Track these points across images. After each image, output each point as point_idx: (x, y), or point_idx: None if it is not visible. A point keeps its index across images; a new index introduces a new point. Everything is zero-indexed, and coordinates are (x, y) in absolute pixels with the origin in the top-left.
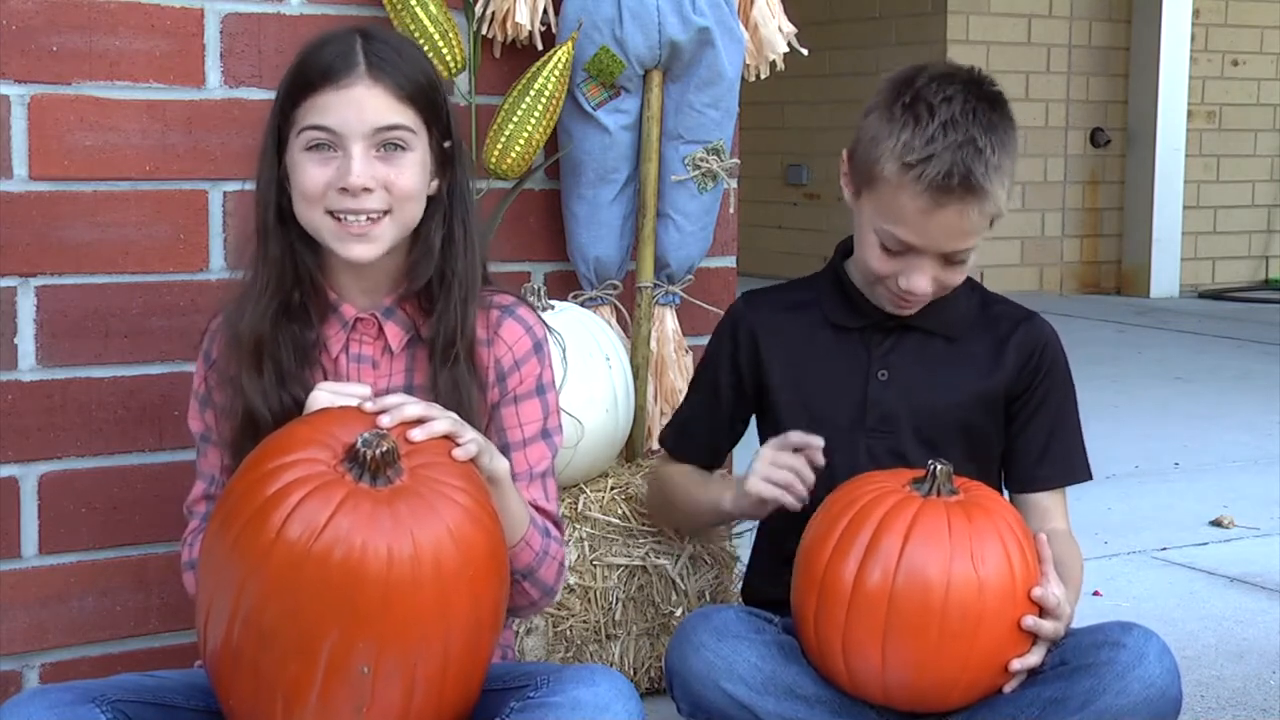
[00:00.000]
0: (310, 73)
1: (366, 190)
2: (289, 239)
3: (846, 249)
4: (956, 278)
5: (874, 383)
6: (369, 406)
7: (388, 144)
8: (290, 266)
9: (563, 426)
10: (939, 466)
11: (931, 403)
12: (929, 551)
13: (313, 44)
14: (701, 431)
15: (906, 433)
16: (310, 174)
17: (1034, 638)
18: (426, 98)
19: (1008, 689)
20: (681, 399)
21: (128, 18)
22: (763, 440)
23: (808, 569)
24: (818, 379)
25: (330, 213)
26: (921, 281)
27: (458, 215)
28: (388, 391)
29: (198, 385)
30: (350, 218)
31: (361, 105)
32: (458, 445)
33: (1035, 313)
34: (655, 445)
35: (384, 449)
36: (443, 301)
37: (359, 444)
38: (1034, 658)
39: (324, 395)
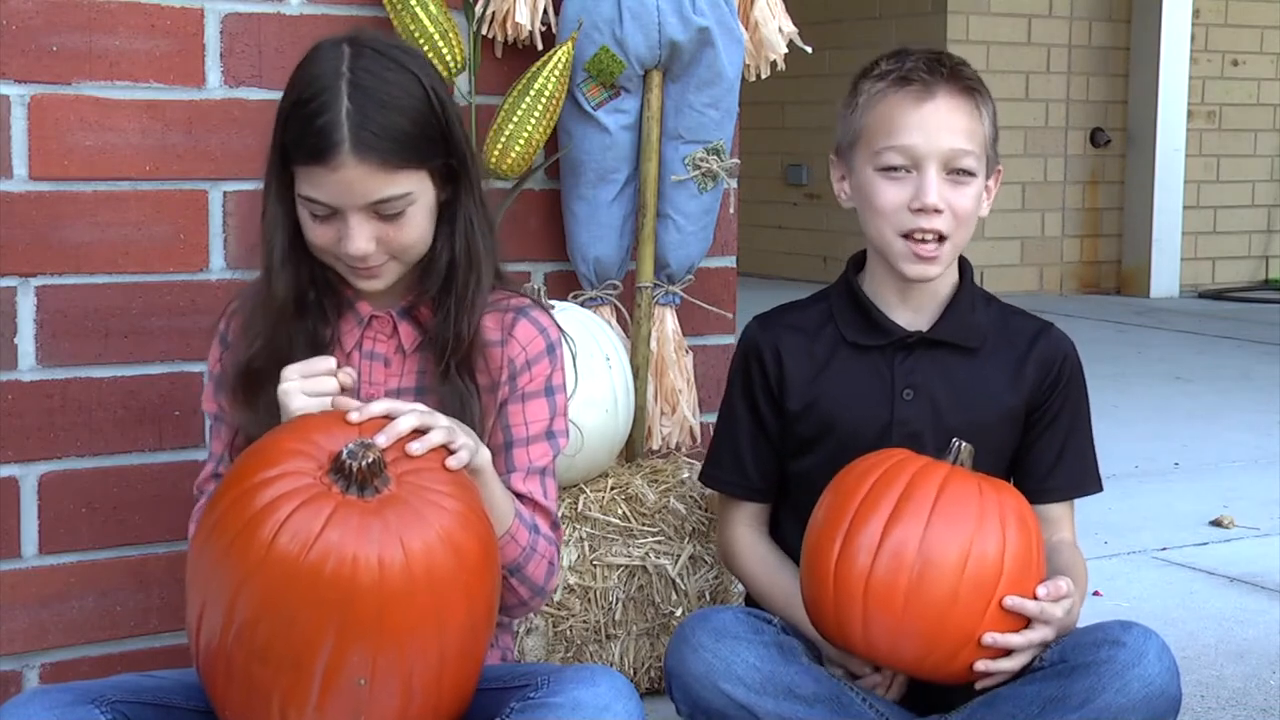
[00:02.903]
0: (298, 143)
1: (369, 253)
2: (299, 253)
3: (858, 262)
4: (964, 200)
5: (899, 402)
6: (354, 417)
7: (385, 211)
8: (305, 273)
9: (569, 431)
10: (963, 444)
11: (958, 421)
12: (958, 512)
13: (299, 91)
14: (754, 464)
15: (932, 451)
16: (315, 231)
17: (1023, 623)
18: (422, 144)
19: (980, 666)
20: (717, 439)
21: (128, 18)
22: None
23: (830, 525)
24: (841, 400)
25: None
26: (932, 192)
27: (460, 231)
28: (399, 391)
29: (212, 366)
30: (355, 269)
31: (351, 186)
32: (451, 453)
33: (1051, 324)
34: (655, 445)
35: (370, 460)
36: (441, 314)
37: (344, 456)
38: (1018, 639)
39: (293, 384)
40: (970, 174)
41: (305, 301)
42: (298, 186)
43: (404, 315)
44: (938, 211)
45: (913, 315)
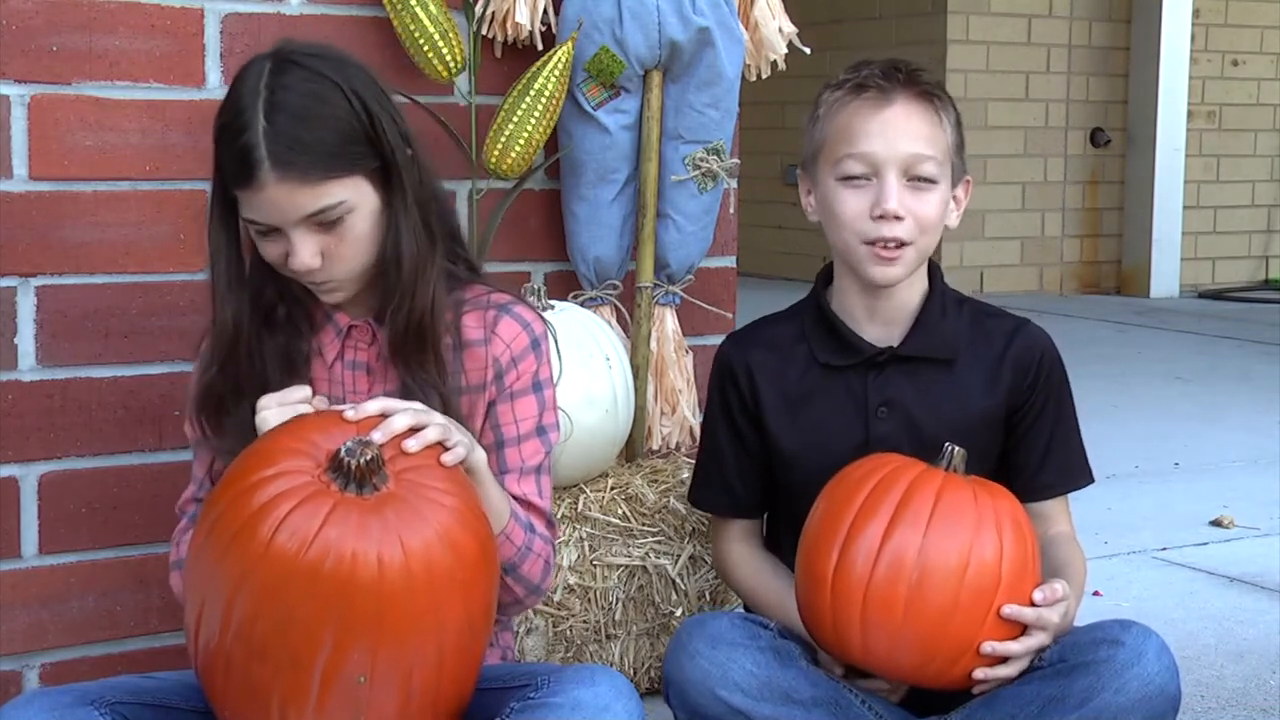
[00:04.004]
0: (227, 166)
1: (315, 268)
2: (262, 272)
3: (827, 276)
4: (925, 208)
5: (874, 420)
6: (350, 415)
7: (324, 221)
8: (272, 290)
9: (559, 424)
10: (955, 449)
11: (936, 433)
12: (956, 520)
13: (224, 114)
14: (739, 482)
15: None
16: (265, 250)
17: (1020, 628)
18: (347, 151)
19: (978, 674)
20: (701, 459)
21: (128, 18)
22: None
23: (827, 535)
24: (816, 420)
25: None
26: (892, 198)
27: (390, 232)
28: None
29: (192, 390)
30: (312, 285)
31: (279, 204)
32: (446, 450)
33: (1027, 320)
34: (655, 445)
35: (368, 457)
36: (391, 314)
37: (343, 453)
38: (1016, 646)
39: (271, 413)
40: (931, 180)
41: (274, 319)
42: (240, 206)
43: (380, 321)
44: (899, 218)
45: (883, 330)
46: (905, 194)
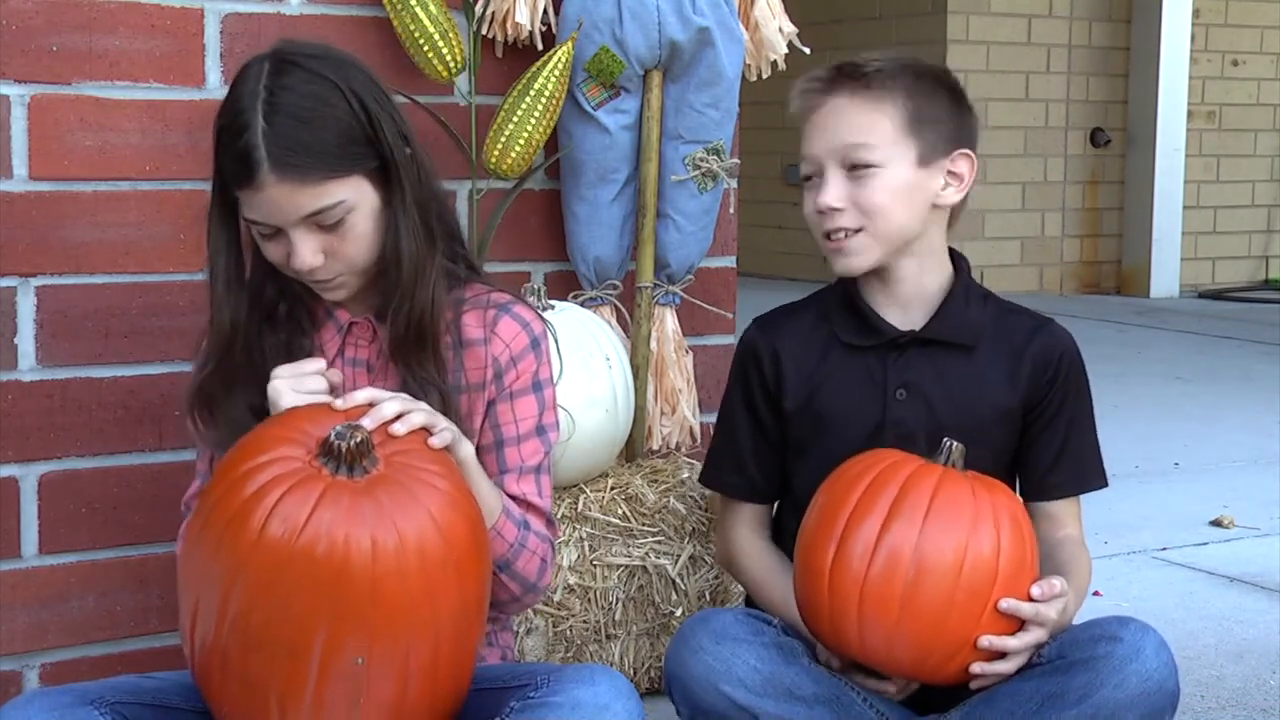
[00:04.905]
0: (227, 167)
1: (316, 266)
2: (263, 271)
3: None
4: (868, 195)
5: (892, 401)
6: (339, 405)
7: (324, 222)
8: (273, 288)
9: (559, 423)
10: (954, 444)
11: (953, 420)
12: (952, 515)
13: (224, 115)
14: (755, 465)
15: (925, 451)
16: (268, 250)
17: (1018, 624)
18: (346, 151)
19: (976, 669)
20: (716, 441)
21: (128, 18)
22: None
23: (824, 530)
24: (835, 400)
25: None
26: (829, 195)
27: (390, 230)
28: None
29: None
30: (314, 284)
31: (279, 204)
32: (432, 435)
33: (1050, 319)
34: (655, 445)
35: (358, 440)
36: (391, 313)
37: (333, 437)
38: (1014, 641)
39: (283, 382)
40: (869, 165)
41: (275, 316)
42: (241, 206)
43: (380, 319)
44: (836, 209)
45: (901, 313)
46: (847, 185)
